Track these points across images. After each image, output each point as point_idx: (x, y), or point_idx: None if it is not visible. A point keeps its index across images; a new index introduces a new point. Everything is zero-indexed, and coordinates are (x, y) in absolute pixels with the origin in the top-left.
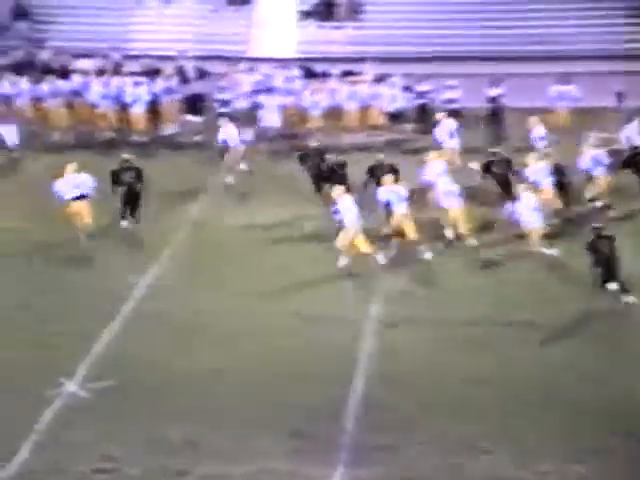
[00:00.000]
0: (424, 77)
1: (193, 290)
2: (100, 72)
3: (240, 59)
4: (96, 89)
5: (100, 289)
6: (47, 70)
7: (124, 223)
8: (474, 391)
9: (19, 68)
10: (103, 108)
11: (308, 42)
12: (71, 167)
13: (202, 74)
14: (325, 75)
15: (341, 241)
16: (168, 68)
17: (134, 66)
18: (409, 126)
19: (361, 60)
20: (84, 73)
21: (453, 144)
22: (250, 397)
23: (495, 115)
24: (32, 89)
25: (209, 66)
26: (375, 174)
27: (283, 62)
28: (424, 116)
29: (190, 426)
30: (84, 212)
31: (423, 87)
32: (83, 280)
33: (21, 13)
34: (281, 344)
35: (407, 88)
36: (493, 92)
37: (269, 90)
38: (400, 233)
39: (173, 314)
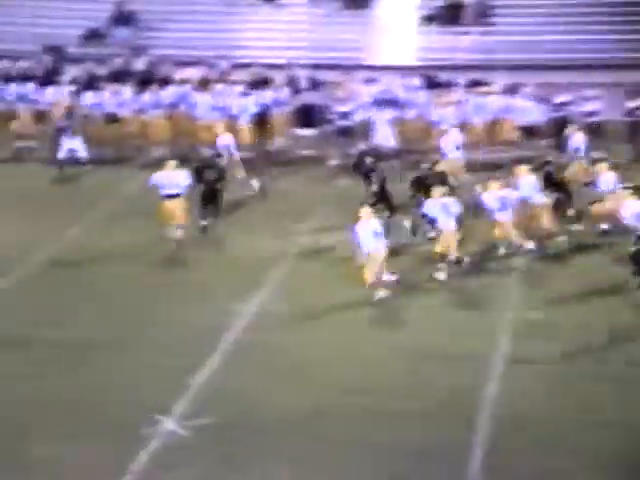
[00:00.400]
0: (561, 87)
1: (300, 320)
2: (204, 82)
3: (356, 68)
4: (200, 100)
5: (199, 317)
6: (145, 80)
7: (203, 222)
8: (617, 438)
9: (117, 78)
10: (207, 120)
11: (430, 49)
12: (172, 164)
13: (315, 84)
14: (449, 85)
15: (370, 275)
16: (278, 77)
17: (242, 75)
18: (544, 142)
19: (490, 69)
20: (183, 82)
21: (457, 156)
22: (358, 438)
23: (635, 129)
24: (134, 99)
25: (323, 75)
26: (421, 186)
27: (403, 70)
28: (561, 131)
29: (295, 469)
30: (178, 211)
31: (560, 98)
32: (180, 307)
33: (122, 19)
34: (394, 380)
35: (542, 99)
36: (633, 104)
37: (389, 102)
38: (445, 253)
39: (278, 347)
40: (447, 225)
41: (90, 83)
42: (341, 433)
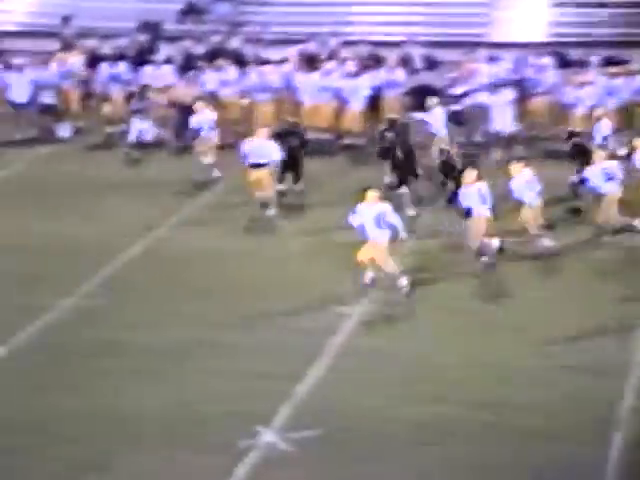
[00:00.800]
0: None
1: (415, 324)
2: (310, 61)
3: (479, 45)
4: (306, 81)
5: (303, 319)
6: (241, 60)
7: (280, 186)
8: None
9: (215, 57)
10: (313, 103)
11: (563, 23)
12: (263, 132)
13: (432, 63)
14: (583, 64)
15: (363, 254)
16: (391, 56)
17: (350, 54)
18: None
19: (629, 45)
20: (285, 62)
21: (444, 134)
22: (478, 458)
23: None
24: (237, 80)
25: (441, 54)
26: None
27: (532, 48)
28: None
29: None
30: (264, 181)
31: None
32: (281, 308)
33: None
34: (520, 394)
35: None
36: None
37: (513, 82)
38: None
39: (390, 353)
40: (481, 211)
41: (187, 62)
42: (457, 451)
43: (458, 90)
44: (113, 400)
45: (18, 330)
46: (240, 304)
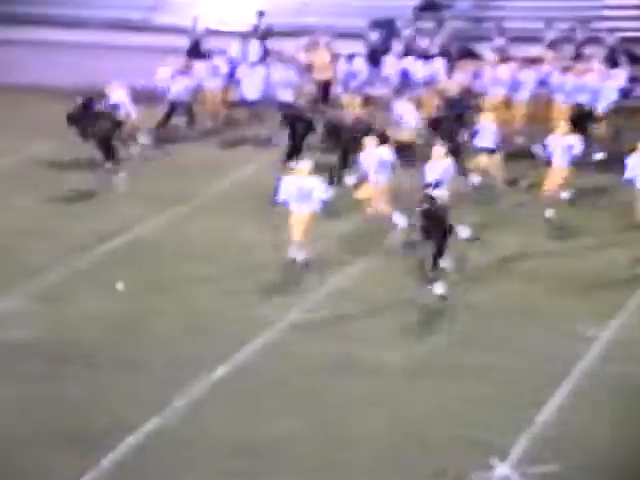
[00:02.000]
0: None
1: None
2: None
3: None
4: (560, 80)
5: (545, 344)
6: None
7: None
8: None
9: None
10: (566, 103)
11: None
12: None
13: None
14: None
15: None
16: None
17: (600, 52)
18: None
19: None
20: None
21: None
22: None
23: None
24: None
25: None
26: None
27: None
28: None
29: None
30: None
31: None
32: (521, 334)
33: None
34: None
35: None
36: None
37: None
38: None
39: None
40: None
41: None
42: None
43: None
44: (336, 420)
45: (242, 346)
46: (477, 325)
